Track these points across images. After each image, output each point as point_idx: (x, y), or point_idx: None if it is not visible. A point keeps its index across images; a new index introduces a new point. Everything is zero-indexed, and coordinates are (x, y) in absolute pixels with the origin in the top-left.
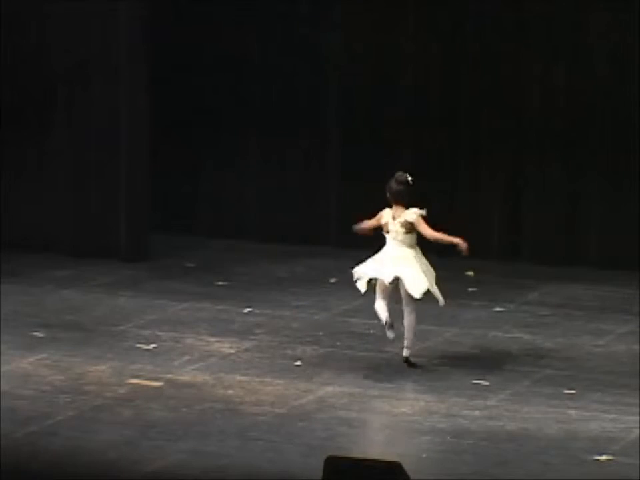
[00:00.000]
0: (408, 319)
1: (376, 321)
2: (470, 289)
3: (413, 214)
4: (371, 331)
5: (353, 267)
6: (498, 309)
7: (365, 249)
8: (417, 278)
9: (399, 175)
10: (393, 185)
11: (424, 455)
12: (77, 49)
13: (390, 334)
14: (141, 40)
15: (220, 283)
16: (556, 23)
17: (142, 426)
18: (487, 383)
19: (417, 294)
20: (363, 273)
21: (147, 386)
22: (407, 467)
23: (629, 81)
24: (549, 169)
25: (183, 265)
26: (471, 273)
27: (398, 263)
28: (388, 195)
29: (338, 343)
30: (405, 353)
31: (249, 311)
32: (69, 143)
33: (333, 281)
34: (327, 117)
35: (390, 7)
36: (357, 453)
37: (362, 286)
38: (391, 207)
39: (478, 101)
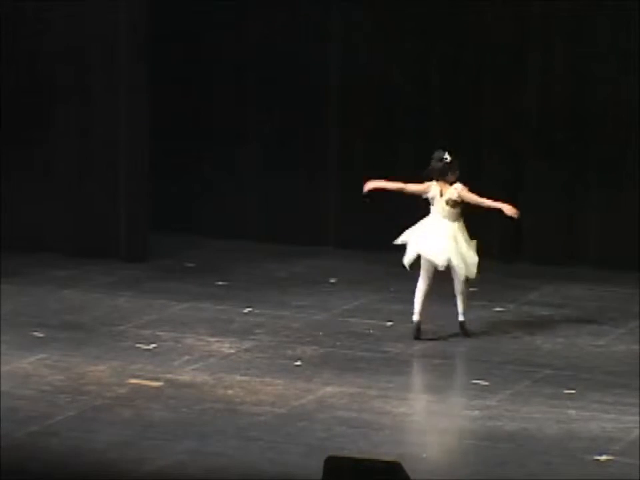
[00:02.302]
0: (458, 287)
1: (376, 321)
2: (470, 289)
3: (454, 190)
4: (371, 331)
5: (354, 266)
6: (498, 309)
7: (364, 249)
8: (467, 258)
9: (437, 153)
10: (434, 163)
11: (424, 455)
12: (77, 49)
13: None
14: (141, 40)
15: (220, 283)
16: (556, 23)
17: (142, 426)
18: (487, 383)
19: (471, 274)
20: (415, 250)
21: (146, 386)
22: (406, 467)
23: (629, 80)
24: (548, 169)
25: (183, 265)
26: None
27: (447, 244)
28: (431, 174)
29: (338, 343)
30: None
31: (249, 311)
32: (69, 143)
33: (332, 281)
34: (327, 117)
35: (389, 9)
36: (357, 453)
37: (408, 262)
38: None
39: (478, 102)
